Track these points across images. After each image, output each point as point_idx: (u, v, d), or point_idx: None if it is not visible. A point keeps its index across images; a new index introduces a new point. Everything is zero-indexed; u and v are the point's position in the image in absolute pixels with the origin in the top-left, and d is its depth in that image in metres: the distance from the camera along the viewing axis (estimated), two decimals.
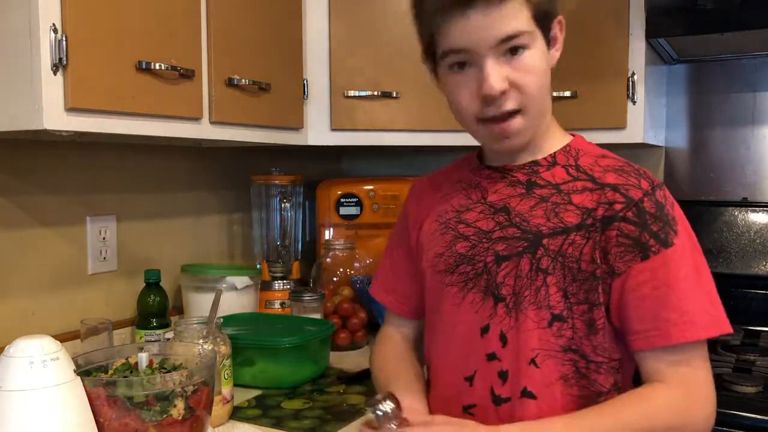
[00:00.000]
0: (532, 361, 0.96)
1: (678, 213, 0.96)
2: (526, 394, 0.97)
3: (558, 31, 1.01)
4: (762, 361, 1.49)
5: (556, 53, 1.01)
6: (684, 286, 0.92)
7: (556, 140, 1.05)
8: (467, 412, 1.02)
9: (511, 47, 0.94)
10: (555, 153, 1.03)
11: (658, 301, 0.92)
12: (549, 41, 0.99)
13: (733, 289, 1.78)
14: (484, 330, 1.00)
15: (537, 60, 0.96)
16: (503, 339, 0.99)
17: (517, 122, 0.97)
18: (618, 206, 0.95)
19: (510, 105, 0.95)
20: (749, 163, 1.85)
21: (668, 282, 0.91)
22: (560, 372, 0.96)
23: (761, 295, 1.76)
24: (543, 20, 0.97)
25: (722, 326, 0.93)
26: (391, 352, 1.18)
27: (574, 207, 0.97)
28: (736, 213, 1.82)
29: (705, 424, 0.93)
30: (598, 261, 0.94)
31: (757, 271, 1.75)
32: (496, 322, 0.99)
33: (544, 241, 0.97)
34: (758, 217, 1.79)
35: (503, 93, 0.94)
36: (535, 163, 1.03)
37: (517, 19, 0.93)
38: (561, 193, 0.99)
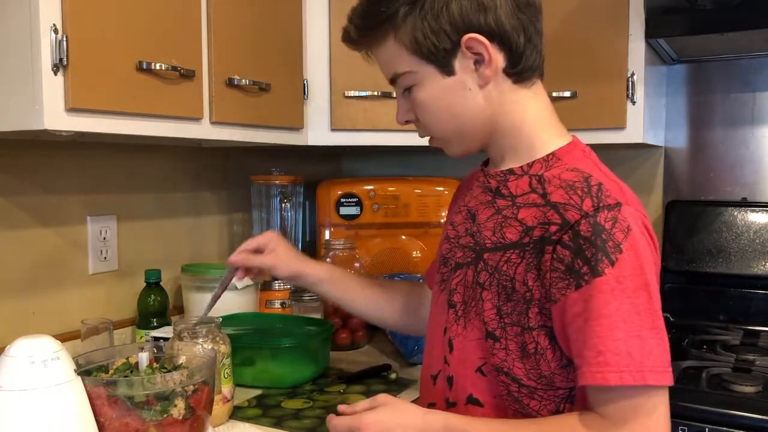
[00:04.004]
0: (479, 370, 0.94)
1: (629, 241, 0.83)
2: (472, 401, 0.95)
3: (481, 49, 0.91)
4: (762, 361, 1.49)
5: (485, 71, 0.92)
6: (606, 323, 0.81)
7: (540, 147, 0.96)
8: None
9: (402, 87, 0.98)
10: (533, 161, 0.95)
11: (584, 335, 0.83)
12: (451, 69, 0.93)
13: (732, 289, 1.78)
14: (444, 332, 1.01)
15: (427, 94, 0.95)
16: (450, 345, 0.98)
17: (434, 142, 1.02)
18: (553, 228, 0.86)
19: (421, 133, 1.02)
20: (748, 163, 1.86)
21: (592, 316, 0.82)
22: (494, 391, 0.93)
23: (761, 295, 1.76)
24: (431, 54, 0.92)
25: (647, 376, 0.81)
26: None
27: (518, 223, 0.92)
28: (735, 213, 1.82)
29: None
30: (529, 284, 0.88)
31: (757, 271, 1.75)
32: (450, 328, 0.99)
33: (485, 255, 0.94)
34: (757, 217, 1.80)
35: (408, 122, 1.01)
36: (510, 171, 0.97)
37: (395, 62, 0.96)
38: (514, 206, 0.94)
